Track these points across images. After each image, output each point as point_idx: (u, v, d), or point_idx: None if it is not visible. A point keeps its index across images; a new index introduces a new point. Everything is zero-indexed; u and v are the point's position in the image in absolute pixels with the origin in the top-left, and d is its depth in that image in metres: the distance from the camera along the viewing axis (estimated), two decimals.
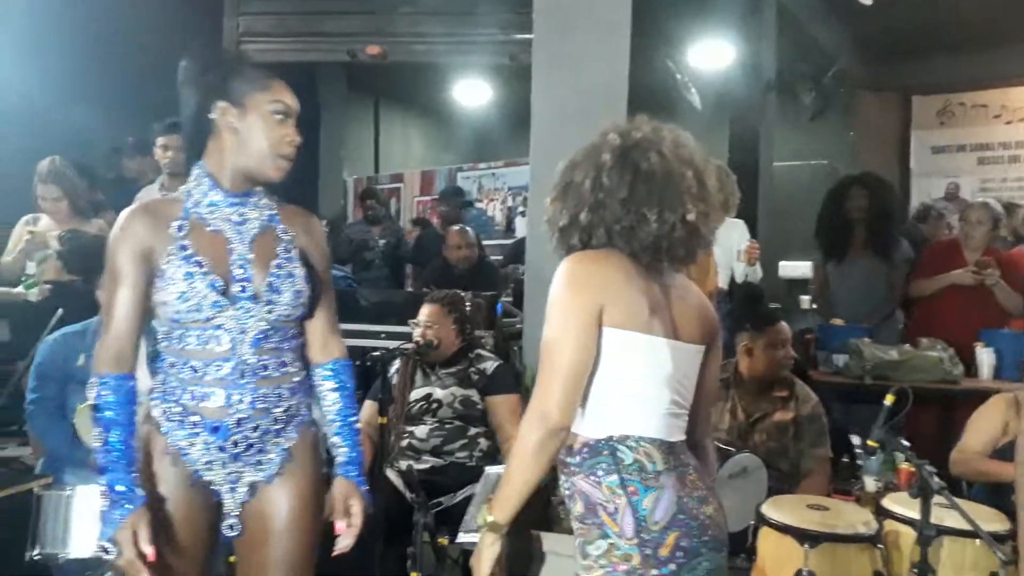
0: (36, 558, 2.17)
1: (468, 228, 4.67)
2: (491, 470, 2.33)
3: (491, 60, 3.93)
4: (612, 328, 1.35)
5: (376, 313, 3.76)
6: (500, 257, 5.39)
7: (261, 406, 1.55)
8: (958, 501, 1.89)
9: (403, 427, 2.78)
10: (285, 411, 1.59)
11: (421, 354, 2.80)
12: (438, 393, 2.80)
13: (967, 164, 6.81)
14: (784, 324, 2.87)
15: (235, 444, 1.54)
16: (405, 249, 5.89)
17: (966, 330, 3.56)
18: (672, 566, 1.30)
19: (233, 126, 1.54)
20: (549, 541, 2.65)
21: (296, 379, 1.62)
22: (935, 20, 5.61)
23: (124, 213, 1.54)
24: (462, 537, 2.20)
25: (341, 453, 1.67)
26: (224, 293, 1.51)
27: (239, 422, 1.54)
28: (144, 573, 1.42)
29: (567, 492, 1.40)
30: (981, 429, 2.63)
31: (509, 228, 6.62)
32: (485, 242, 5.36)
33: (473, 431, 2.77)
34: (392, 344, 2.93)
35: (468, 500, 2.51)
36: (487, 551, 1.38)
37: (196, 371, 1.53)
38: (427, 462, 2.72)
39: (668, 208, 1.37)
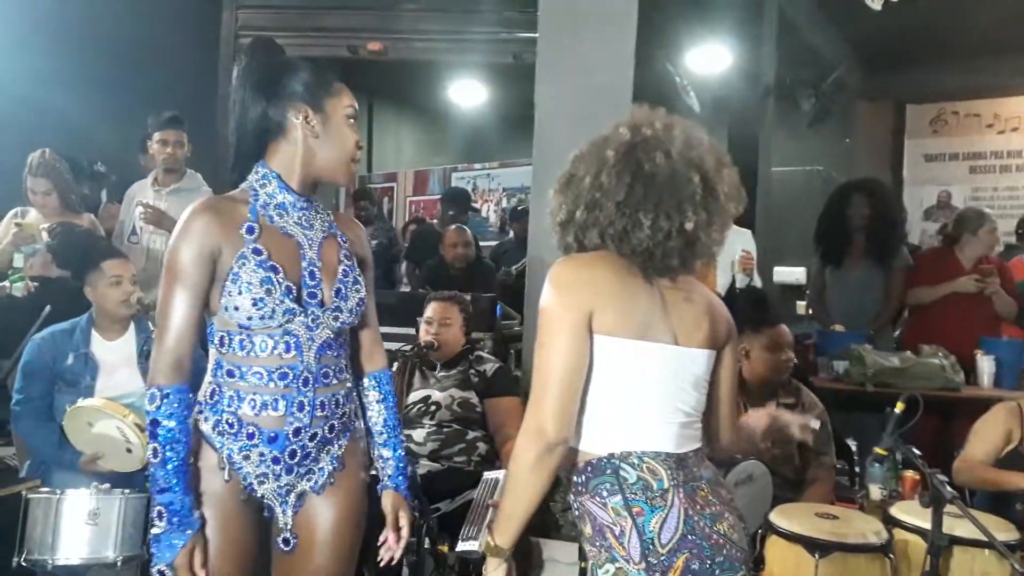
0: (23, 564, 2.12)
1: (465, 227, 4.63)
2: (489, 475, 2.29)
3: (494, 59, 3.90)
4: (603, 335, 1.29)
5: None
6: (491, 261, 5.35)
7: (320, 414, 1.51)
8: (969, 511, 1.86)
9: (417, 430, 2.73)
10: (341, 418, 1.56)
11: (421, 355, 2.76)
12: (436, 395, 2.76)
13: (959, 173, 6.84)
14: (784, 327, 2.83)
15: (291, 455, 1.49)
16: (398, 250, 5.84)
17: (964, 337, 3.55)
18: None
19: (315, 131, 1.50)
20: (548, 548, 2.62)
21: (348, 385, 1.59)
22: (930, 29, 5.63)
23: (188, 211, 1.47)
24: (461, 546, 2.16)
25: (389, 465, 1.65)
26: (297, 300, 1.48)
27: (297, 431, 1.49)
28: None
29: (576, 513, 1.34)
30: (985, 438, 2.61)
31: (503, 230, 6.58)
32: (481, 243, 5.31)
33: (472, 435, 2.73)
34: (387, 346, 2.88)
35: (467, 505, 2.47)
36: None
37: (261, 378, 1.46)
38: (424, 467, 2.67)
39: (664, 215, 1.30)
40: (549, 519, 2.81)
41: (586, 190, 1.34)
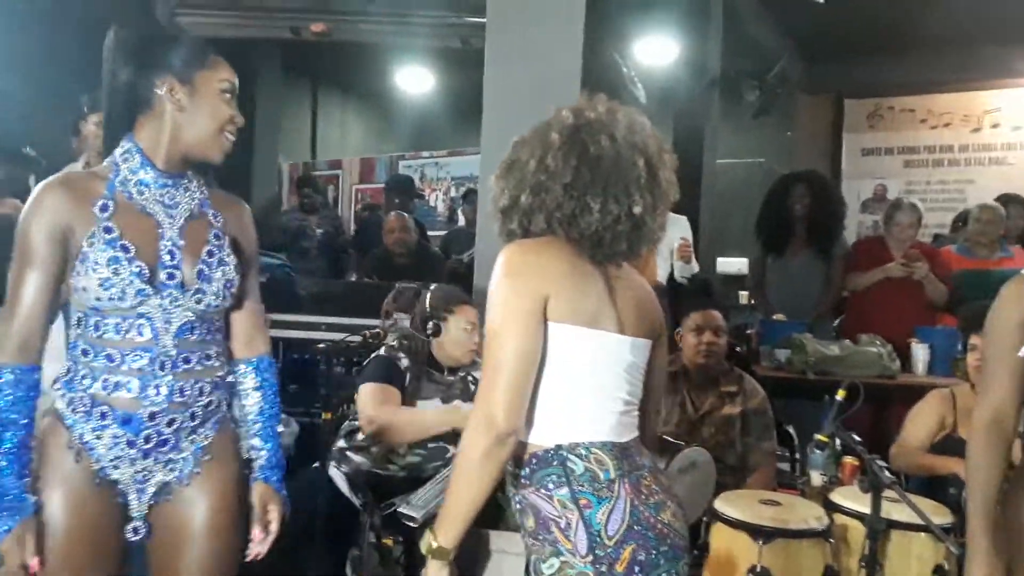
0: None
1: (404, 213, 4.56)
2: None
3: (441, 43, 3.83)
4: (556, 323, 1.27)
5: (315, 304, 3.63)
6: (436, 249, 5.29)
7: (179, 400, 1.45)
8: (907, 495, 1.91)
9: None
10: (205, 407, 1.50)
11: (428, 359, 2.55)
12: (442, 407, 2.54)
13: (894, 166, 7.05)
14: (713, 312, 2.86)
15: (146, 440, 1.43)
16: (344, 238, 5.73)
17: (899, 325, 3.66)
18: None
19: (180, 104, 1.44)
20: (496, 539, 2.60)
21: (219, 374, 1.53)
22: (869, 24, 5.77)
23: (39, 187, 1.41)
24: (403, 508, 2.13)
25: (261, 456, 1.59)
26: (150, 281, 1.41)
27: (152, 416, 1.43)
28: None
29: (518, 507, 1.31)
30: (919, 424, 2.70)
31: (452, 219, 6.52)
32: (428, 233, 5.26)
33: (452, 452, 2.52)
34: (333, 336, 2.79)
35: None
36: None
37: (112, 360, 1.41)
38: (391, 471, 2.52)
39: (613, 198, 1.29)
40: (498, 511, 2.79)
41: (531, 174, 1.31)
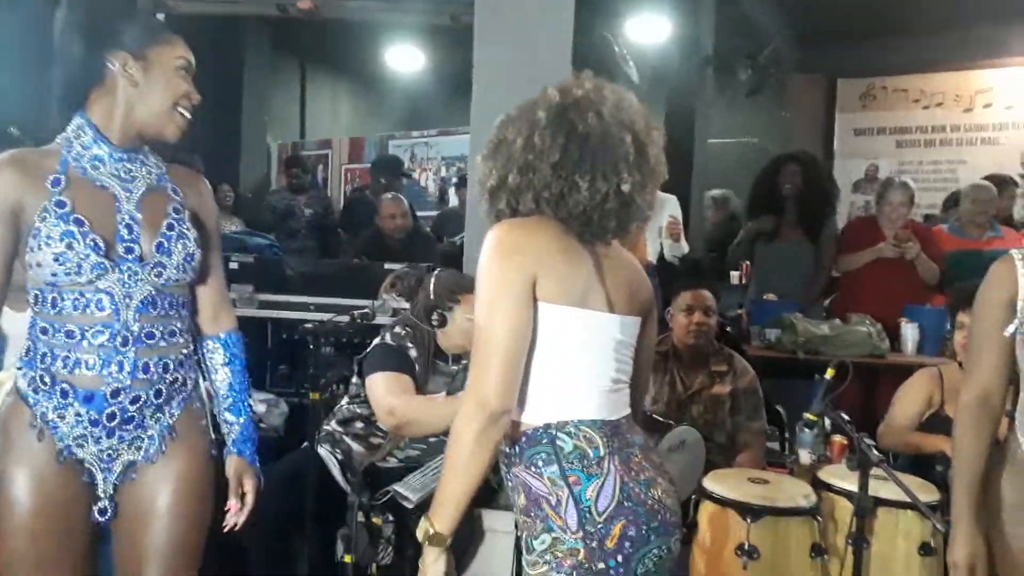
0: None
1: (401, 197, 4.52)
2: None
3: (430, 20, 3.77)
4: (546, 303, 1.26)
5: (304, 284, 3.60)
6: (428, 230, 5.26)
7: (142, 376, 1.44)
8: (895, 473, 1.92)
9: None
10: (171, 384, 1.48)
11: (435, 347, 2.47)
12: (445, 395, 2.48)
13: (887, 147, 7.04)
14: (704, 292, 2.85)
15: (110, 417, 1.42)
16: (333, 219, 5.69)
17: (890, 305, 3.65)
18: (619, 557, 1.23)
19: (134, 79, 1.43)
20: (489, 518, 2.60)
21: (184, 350, 1.52)
22: (862, 4, 5.74)
23: None
24: (399, 488, 2.16)
25: (233, 430, 1.61)
26: (107, 255, 1.40)
27: (116, 392, 1.42)
28: None
29: (509, 484, 1.32)
30: (907, 403, 2.70)
31: (442, 199, 6.49)
32: (418, 214, 5.22)
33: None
34: (321, 316, 2.76)
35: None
36: (431, 569, 1.26)
37: (72, 336, 1.40)
38: (389, 463, 2.48)
39: (601, 176, 1.27)
40: (490, 490, 2.80)
41: (518, 153, 1.30)
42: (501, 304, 1.24)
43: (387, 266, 3.44)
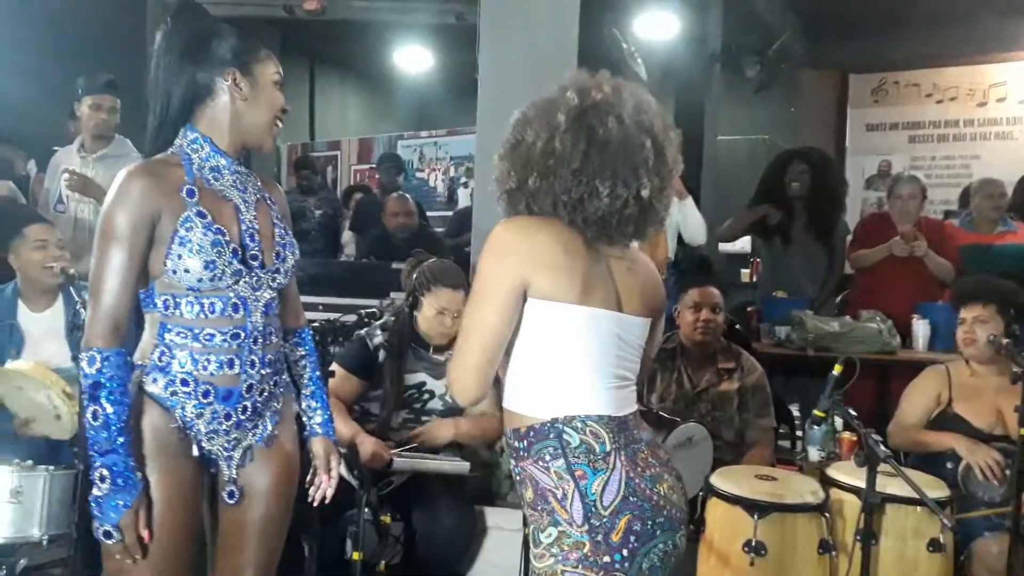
0: None
1: (407, 195, 4.54)
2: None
3: (436, 19, 3.78)
4: (540, 300, 1.28)
5: (313, 284, 3.62)
6: (442, 229, 5.27)
7: (268, 371, 1.57)
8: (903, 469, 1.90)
9: (396, 415, 2.53)
10: (281, 373, 1.65)
11: (413, 334, 2.55)
12: (433, 383, 2.58)
13: (899, 142, 6.96)
14: (712, 289, 2.84)
15: (243, 411, 1.54)
16: (342, 219, 5.72)
17: (902, 301, 3.62)
18: (625, 551, 1.25)
19: (243, 94, 1.54)
20: (492, 515, 2.62)
21: (281, 345, 1.66)
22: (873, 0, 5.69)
23: (123, 174, 1.47)
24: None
25: (318, 414, 1.75)
26: (243, 262, 1.52)
27: (249, 388, 1.54)
28: (138, 556, 1.42)
29: (517, 477, 1.35)
30: (915, 402, 2.68)
31: (451, 199, 6.50)
32: (427, 213, 5.24)
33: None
34: (329, 316, 2.78)
35: (415, 477, 2.43)
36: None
37: (212, 339, 1.50)
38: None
39: (622, 182, 1.28)
40: (494, 487, 2.80)
41: (537, 156, 1.30)
42: (486, 301, 1.29)
43: (395, 266, 3.45)
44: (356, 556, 2.11)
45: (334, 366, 2.44)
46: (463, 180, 6.08)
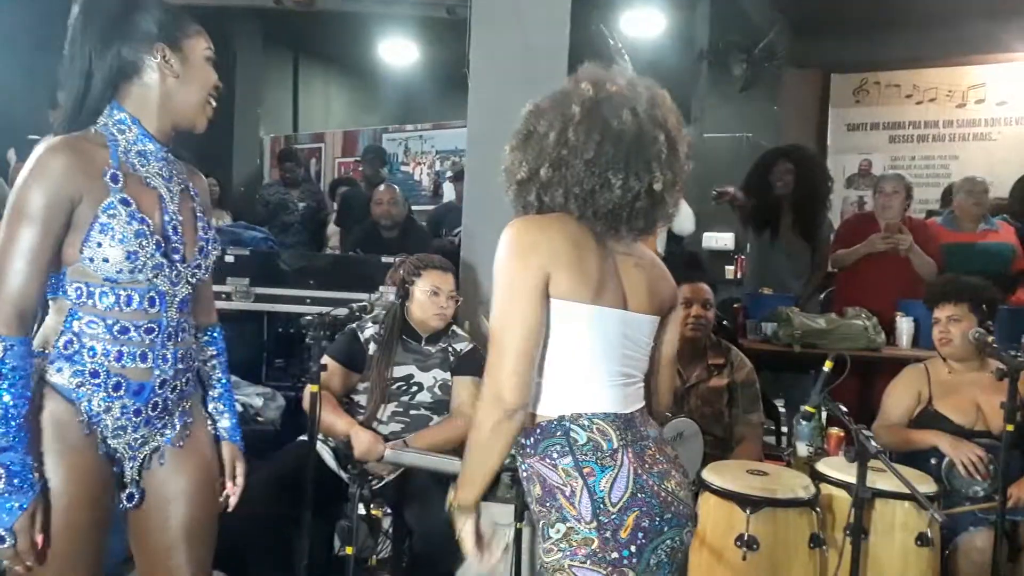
0: None
1: (395, 186, 4.52)
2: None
3: (426, 12, 3.76)
4: (558, 299, 1.28)
5: (299, 277, 3.59)
6: (424, 224, 5.25)
7: (181, 367, 1.50)
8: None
9: (380, 407, 2.52)
10: (194, 372, 1.58)
11: (402, 324, 2.55)
12: (420, 375, 2.57)
13: (879, 142, 7.05)
14: (702, 286, 2.86)
15: (153, 407, 1.47)
16: (325, 213, 5.68)
17: (886, 299, 3.65)
18: (633, 547, 1.25)
19: (174, 70, 1.44)
20: (485, 510, 2.61)
21: (194, 343, 1.59)
22: (855, 0, 5.75)
23: (42, 148, 1.35)
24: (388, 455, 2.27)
25: (225, 418, 1.67)
26: (165, 255, 1.44)
27: (162, 383, 1.47)
28: (29, 563, 1.31)
29: (524, 474, 1.35)
30: (897, 401, 2.71)
31: (436, 193, 6.47)
32: (412, 207, 5.21)
33: (435, 420, 2.56)
34: (319, 310, 2.76)
35: (408, 472, 2.42)
36: (464, 529, 1.38)
37: (125, 332, 1.42)
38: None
39: (634, 175, 1.28)
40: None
41: (551, 147, 1.30)
42: (516, 304, 1.27)
43: (384, 259, 3.44)
44: (349, 551, 2.10)
45: (325, 358, 2.44)
46: (448, 174, 6.05)
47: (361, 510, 2.15)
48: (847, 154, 7.12)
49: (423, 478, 2.43)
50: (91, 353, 1.40)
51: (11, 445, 1.29)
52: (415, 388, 2.58)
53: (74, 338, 1.40)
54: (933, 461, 2.51)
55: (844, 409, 1.99)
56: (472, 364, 2.56)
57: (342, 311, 2.60)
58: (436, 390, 2.58)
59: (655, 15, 5.22)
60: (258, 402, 3.06)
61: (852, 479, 2.00)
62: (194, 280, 1.51)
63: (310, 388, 2.41)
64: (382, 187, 4.46)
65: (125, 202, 1.38)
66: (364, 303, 2.67)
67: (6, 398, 1.29)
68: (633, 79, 1.34)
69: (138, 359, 1.43)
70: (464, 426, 2.53)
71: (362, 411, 2.54)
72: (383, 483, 2.42)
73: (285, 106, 7.89)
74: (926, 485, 2.19)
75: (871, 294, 3.66)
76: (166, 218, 1.45)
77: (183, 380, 1.52)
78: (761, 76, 5.50)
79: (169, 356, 1.47)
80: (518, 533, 2.29)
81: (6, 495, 1.28)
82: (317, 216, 5.60)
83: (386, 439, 2.45)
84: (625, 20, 5.32)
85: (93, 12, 1.41)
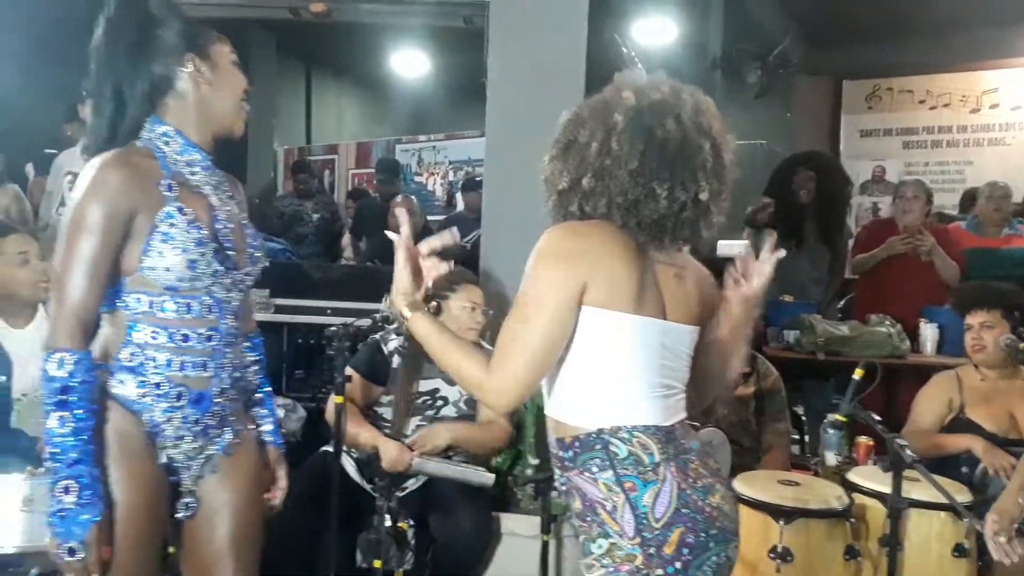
0: None
1: (412, 197, 4.53)
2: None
3: (442, 21, 3.77)
4: (595, 307, 1.24)
5: (316, 288, 3.59)
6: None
7: (237, 375, 1.53)
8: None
9: (404, 421, 2.50)
10: (246, 378, 1.59)
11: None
12: (447, 389, 2.55)
13: (893, 148, 7.03)
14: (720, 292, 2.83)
15: (212, 416, 1.48)
16: (340, 224, 5.69)
17: (908, 305, 3.62)
18: (678, 564, 1.22)
19: (207, 78, 1.46)
20: (508, 521, 2.59)
21: (241, 350, 1.59)
22: (867, 6, 5.74)
23: (97, 164, 1.37)
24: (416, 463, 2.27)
25: (267, 422, 1.69)
26: (222, 262, 1.45)
27: (221, 392, 1.49)
28: (96, 574, 1.33)
29: (563, 487, 1.32)
30: (927, 409, 2.67)
31: (450, 203, 6.47)
32: (427, 218, 5.22)
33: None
34: (338, 320, 2.75)
35: (432, 482, 2.41)
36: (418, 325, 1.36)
37: (187, 340, 1.43)
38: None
39: (680, 185, 1.24)
40: (508, 493, 2.78)
41: (593, 156, 1.27)
42: (543, 308, 1.23)
43: None
44: (377, 564, 2.08)
45: (349, 370, 2.43)
46: (461, 184, 6.06)
47: (389, 523, 2.14)
48: (860, 160, 7.10)
49: (447, 487, 2.41)
50: (154, 364, 1.41)
51: (81, 458, 1.30)
52: (440, 402, 2.56)
53: (137, 349, 1.41)
54: (965, 469, 2.48)
55: (877, 418, 1.97)
56: None
57: (365, 321, 2.60)
58: (462, 404, 2.55)
59: (668, 23, 5.22)
60: (280, 413, 3.04)
61: (885, 488, 1.97)
62: (245, 287, 1.52)
63: (334, 399, 2.41)
64: (399, 197, 4.47)
65: (182, 210, 1.40)
66: (386, 313, 2.67)
67: (78, 413, 1.30)
68: (676, 86, 1.31)
69: (199, 367, 1.44)
70: (502, 437, 2.54)
71: (386, 424, 2.52)
72: (407, 492, 2.40)
73: (298, 118, 7.92)
74: (962, 495, 2.15)
75: (892, 300, 3.63)
76: (218, 226, 1.46)
77: (237, 388, 1.53)
78: (775, 84, 5.48)
79: (227, 363, 1.48)
80: (544, 545, 2.27)
81: (78, 508, 1.30)
82: (331, 227, 5.60)
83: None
84: (638, 28, 5.32)
85: (116, 37, 1.42)
